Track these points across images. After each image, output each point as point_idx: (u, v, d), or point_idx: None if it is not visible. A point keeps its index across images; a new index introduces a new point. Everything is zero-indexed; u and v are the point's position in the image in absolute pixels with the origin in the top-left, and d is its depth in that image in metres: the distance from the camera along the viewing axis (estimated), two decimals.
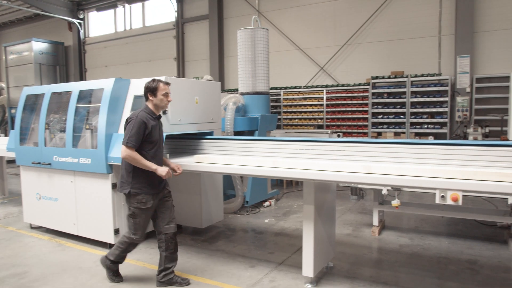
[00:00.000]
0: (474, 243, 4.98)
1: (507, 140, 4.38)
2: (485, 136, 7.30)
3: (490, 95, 8.51)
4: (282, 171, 3.56)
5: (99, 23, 15.83)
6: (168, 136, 4.46)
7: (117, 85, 4.81)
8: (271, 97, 10.75)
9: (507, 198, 4.38)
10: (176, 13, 13.43)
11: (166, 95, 3.77)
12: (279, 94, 10.90)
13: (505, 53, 8.68)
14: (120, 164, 4.37)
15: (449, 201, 2.72)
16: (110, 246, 4.80)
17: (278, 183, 8.90)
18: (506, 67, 8.32)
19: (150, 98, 3.75)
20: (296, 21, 11.14)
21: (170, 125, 4.65)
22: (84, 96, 5.18)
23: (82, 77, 16.05)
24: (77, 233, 5.15)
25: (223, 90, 11.55)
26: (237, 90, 7.32)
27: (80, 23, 15.80)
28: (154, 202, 3.76)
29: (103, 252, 4.70)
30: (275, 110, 10.89)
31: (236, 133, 6.45)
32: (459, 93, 8.74)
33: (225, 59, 12.59)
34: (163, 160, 4.00)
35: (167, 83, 3.81)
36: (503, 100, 7.96)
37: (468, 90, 8.64)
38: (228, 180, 6.59)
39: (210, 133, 5.21)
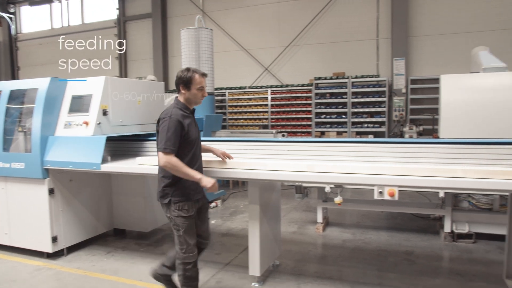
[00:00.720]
0: (411, 235, 5.26)
1: (438, 137, 4.68)
2: (420, 134, 7.75)
3: (423, 96, 9.06)
4: (228, 171, 3.56)
5: (33, 19, 14.91)
6: (109, 138, 4.30)
7: (53, 84, 4.56)
8: (216, 98, 10.71)
9: (438, 192, 4.70)
10: (117, 10, 12.99)
11: (201, 89, 3.21)
12: (224, 95, 10.90)
13: (436, 56, 9.28)
14: (55, 168, 4.14)
15: (387, 197, 2.85)
16: (47, 255, 4.54)
17: (224, 183, 8.89)
18: (436, 69, 8.88)
19: (182, 91, 3.18)
20: (241, 21, 11.19)
21: (111, 127, 4.48)
22: (16, 96, 4.85)
23: (14, 76, 15.05)
24: (9, 244, 4.80)
25: (167, 90, 11.33)
26: None
27: (10, 18, 14.80)
28: (195, 210, 3.26)
29: (39, 262, 4.43)
30: (220, 111, 10.86)
31: None
32: (395, 94, 9.21)
33: (169, 59, 12.37)
34: (207, 148, 3.65)
35: (204, 74, 3.25)
36: (434, 100, 8.48)
37: (403, 91, 9.13)
38: None
39: (154, 135, 5.08)
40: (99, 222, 5.16)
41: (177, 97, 3.27)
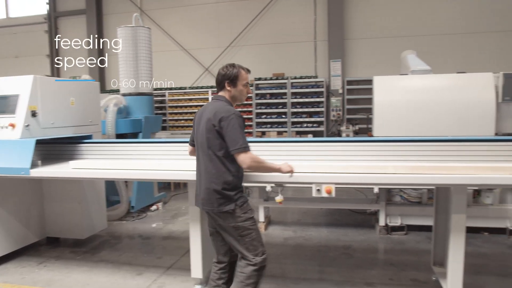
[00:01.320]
0: (349, 230, 5.48)
1: (372, 136, 4.92)
2: (356, 133, 8.08)
3: (358, 96, 9.46)
4: (166, 173, 3.49)
5: None
6: (39, 141, 4.05)
7: None
8: (156, 98, 10.47)
9: (373, 188, 4.93)
10: (47, 5, 12.26)
11: (247, 85, 2.99)
12: (164, 95, 10.67)
13: (369, 58, 9.75)
14: None
15: (324, 194, 2.95)
16: None
17: (165, 185, 8.70)
18: (371, 71, 9.31)
19: (228, 88, 2.92)
20: (180, 21, 11.03)
21: (41, 129, 4.23)
22: None
23: None
24: None
25: (104, 90, 10.89)
26: (118, 91, 6.97)
27: None
28: None
29: None
30: (160, 111, 10.63)
31: (119, 135, 6.13)
32: (333, 94, 9.55)
33: (108, 57, 11.86)
34: None
35: (249, 71, 3.03)
36: (369, 101, 8.89)
37: (340, 91, 9.50)
38: (112, 185, 6.23)
39: (89, 137, 4.85)
40: (29, 231, 4.84)
41: (221, 95, 2.98)
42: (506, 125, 4.91)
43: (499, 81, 4.80)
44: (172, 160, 3.88)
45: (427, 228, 4.97)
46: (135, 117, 6.59)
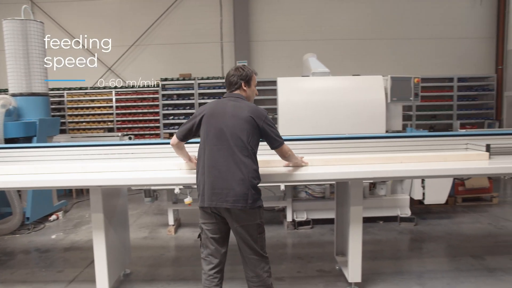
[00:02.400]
0: None
1: None
2: None
3: (265, 97, 9.74)
4: (64, 180, 3.25)
5: None
6: None
7: None
8: (53, 99, 9.70)
9: (279, 185, 5.10)
10: None
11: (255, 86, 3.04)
12: (63, 96, 9.92)
13: (274, 60, 10.11)
14: None
15: None
16: None
17: (66, 193, 8.10)
18: (275, 72, 9.65)
19: (244, 87, 2.93)
20: (79, 16, 10.30)
21: None
22: None
23: None
24: None
25: None
26: (7, 90, 6.30)
27: None
28: None
29: None
30: (58, 113, 9.87)
31: (8, 140, 5.55)
32: None
33: None
34: None
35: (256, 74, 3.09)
36: (274, 101, 9.24)
37: None
38: (1, 195, 5.63)
39: None
40: None
41: (237, 93, 2.95)
42: (395, 123, 5.44)
43: (387, 83, 5.29)
44: (71, 164, 3.62)
45: (331, 221, 5.28)
46: (27, 120, 6.02)
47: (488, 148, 3.49)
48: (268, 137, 2.87)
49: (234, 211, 2.73)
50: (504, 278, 3.79)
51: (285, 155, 3.04)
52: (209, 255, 2.92)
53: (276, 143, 2.91)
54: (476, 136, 3.95)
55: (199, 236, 2.96)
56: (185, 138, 2.97)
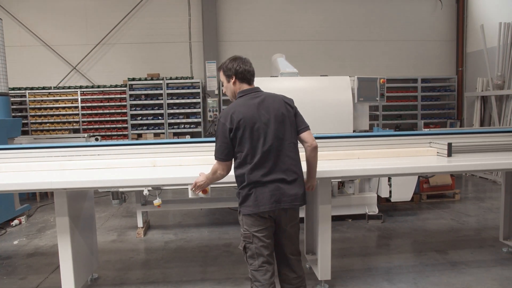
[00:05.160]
0: (229, 228, 5.60)
1: None
2: None
3: None
4: (26, 183, 3.13)
5: None
6: None
7: None
8: (13, 99, 9.34)
9: None
10: None
11: None
12: (24, 95, 9.57)
13: None
14: None
15: (201, 194, 2.96)
16: None
17: (30, 196, 7.82)
18: None
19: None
20: (40, 13, 9.94)
21: None
22: None
23: None
24: None
25: None
26: None
27: None
28: None
29: None
30: (19, 114, 9.51)
31: None
32: (209, 95, 9.67)
33: None
34: None
35: None
36: None
37: (216, 92, 9.65)
38: None
39: None
40: None
41: (258, 87, 2.76)
42: (361, 123, 5.55)
43: (354, 83, 5.40)
44: (30, 167, 3.50)
45: (301, 220, 5.36)
46: None
47: (449, 146, 3.63)
48: (296, 121, 2.78)
49: (290, 211, 2.69)
50: (466, 271, 3.96)
51: (311, 141, 2.75)
52: (264, 263, 2.68)
53: (303, 124, 2.79)
54: (439, 135, 4.11)
55: (245, 248, 2.72)
56: (231, 157, 2.67)
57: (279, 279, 2.87)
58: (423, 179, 6.45)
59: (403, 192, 5.49)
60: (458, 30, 10.74)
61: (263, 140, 2.56)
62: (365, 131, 5.63)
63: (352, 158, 3.74)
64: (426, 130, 5.94)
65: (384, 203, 6.20)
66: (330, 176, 3.32)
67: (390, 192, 5.46)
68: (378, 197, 5.67)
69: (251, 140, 2.55)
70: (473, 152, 3.91)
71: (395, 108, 10.44)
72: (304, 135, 2.72)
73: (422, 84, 10.47)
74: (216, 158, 2.65)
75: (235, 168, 2.66)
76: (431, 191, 6.63)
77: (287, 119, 2.65)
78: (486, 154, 3.83)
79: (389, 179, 5.44)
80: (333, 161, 3.64)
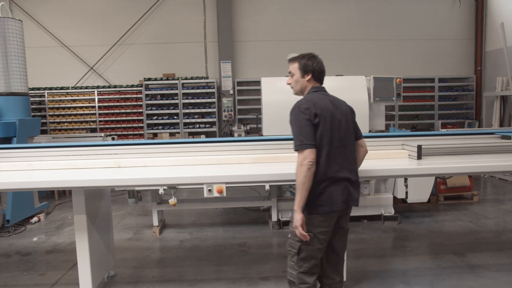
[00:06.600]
0: (243, 227, 5.61)
1: (263, 135, 5.11)
2: (247, 132, 8.32)
3: (249, 97, 9.76)
4: (45, 181, 3.18)
5: None
6: None
7: None
8: (33, 99, 9.52)
9: (264, 185, 5.10)
10: None
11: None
12: (43, 96, 9.75)
13: (257, 60, 10.12)
14: None
15: (216, 194, 2.96)
16: None
17: (48, 194, 7.96)
18: (259, 72, 9.68)
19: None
20: (59, 15, 10.14)
21: None
22: None
23: None
24: None
25: None
26: None
27: None
28: None
29: None
30: (39, 114, 9.69)
31: None
32: (224, 95, 9.69)
33: None
34: None
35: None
36: (258, 101, 9.26)
37: (231, 92, 9.68)
38: None
39: None
40: None
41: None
42: (377, 123, 5.50)
43: (370, 83, 5.35)
44: (50, 166, 3.56)
45: None
46: (7, 120, 5.89)
47: (419, 148, 3.45)
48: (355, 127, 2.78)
49: (350, 210, 2.73)
50: (485, 274, 3.88)
51: (365, 147, 2.81)
52: (315, 266, 2.63)
53: (360, 132, 2.83)
54: (411, 137, 3.97)
55: (299, 249, 2.59)
56: (315, 145, 2.49)
57: (323, 283, 2.83)
58: (440, 180, 6.36)
59: (419, 193, 5.42)
60: (477, 28, 10.55)
61: (338, 136, 2.55)
62: (381, 131, 5.57)
63: (293, 161, 3.55)
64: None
65: (400, 204, 6.13)
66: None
67: (407, 193, 5.39)
68: (394, 198, 5.60)
69: (330, 132, 2.51)
70: (449, 154, 3.64)
71: (412, 108, 10.32)
72: (362, 141, 2.79)
73: (439, 84, 10.32)
74: (301, 146, 2.45)
75: None
76: (449, 192, 6.53)
77: (351, 123, 2.69)
78: (461, 157, 3.56)
79: (406, 179, 5.37)
80: None
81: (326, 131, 2.50)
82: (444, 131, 7.31)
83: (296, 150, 2.49)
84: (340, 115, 2.60)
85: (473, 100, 10.56)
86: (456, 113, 10.60)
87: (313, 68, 2.67)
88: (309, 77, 2.69)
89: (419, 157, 3.43)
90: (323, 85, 2.75)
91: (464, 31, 10.67)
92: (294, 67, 2.73)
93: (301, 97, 2.73)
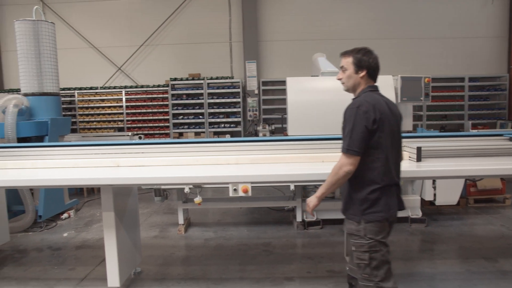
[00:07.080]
0: (268, 227, 5.61)
1: (288, 135, 5.10)
2: (272, 132, 8.30)
3: (274, 97, 9.75)
4: (75, 179, 3.27)
5: None
6: None
7: None
8: (64, 99, 9.80)
9: (289, 185, 5.08)
10: None
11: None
12: (73, 96, 10.02)
13: (282, 60, 10.10)
14: None
15: (241, 193, 2.97)
16: None
17: (77, 191, 8.18)
18: (284, 72, 9.65)
19: None
20: (89, 17, 10.41)
21: None
22: None
23: None
24: None
25: (2, 90, 9.92)
26: (19, 90, 6.38)
27: None
28: None
29: None
30: (69, 113, 9.97)
31: (21, 139, 5.62)
32: (249, 95, 9.71)
33: (3, 53, 10.82)
34: None
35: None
36: (283, 101, 9.23)
37: (256, 92, 9.69)
38: (15, 194, 5.70)
39: None
40: None
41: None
42: (404, 123, 5.37)
43: (397, 83, 5.25)
44: (81, 164, 3.65)
45: (341, 221, 5.24)
46: (39, 119, 6.09)
47: (419, 151, 3.33)
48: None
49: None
50: None
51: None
52: (389, 270, 2.50)
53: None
54: (411, 138, 3.90)
55: (370, 259, 2.44)
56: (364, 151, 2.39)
57: (352, 284, 2.81)
58: (470, 183, 6.18)
59: (448, 195, 5.27)
60: (510, 25, 10.19)
61: (394, 141, 2.47)
62: (408, 131, 5.46)
63: (316, 161, 3.52)
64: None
65: (428, 206, 5.98)
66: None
67: (435, 195, 5.26)
68: (422, 200, 5.48)
69: (388, 138, 2.40)
70: (452, 157, 3.50)
71: (440, 108, 10.07)
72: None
73: (470, 83, 10.03)
74: (348, 151, 2.34)
75: (362, 167, 2.39)
76: (479, 195, 6.34)
77: (401, 127, 2.58)
78: (464, 160, 3.43)
79: (434, 181, 5.24)
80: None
81: (385, 136, 2.38)
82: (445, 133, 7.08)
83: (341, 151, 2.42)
84: (395, 120, 2.49)
85: (505, 100, 10.21)
86: (488, 113, 10.27)
87: (368, 64, 2.49)
88: (363, 73, 2.51)
89: (419, 159, 3.34)
90: (376, 84, 2.58)
91: (496, 28, 10.33)
92: (348, 61, 2.54)
93: (351, 94, 2.59)
